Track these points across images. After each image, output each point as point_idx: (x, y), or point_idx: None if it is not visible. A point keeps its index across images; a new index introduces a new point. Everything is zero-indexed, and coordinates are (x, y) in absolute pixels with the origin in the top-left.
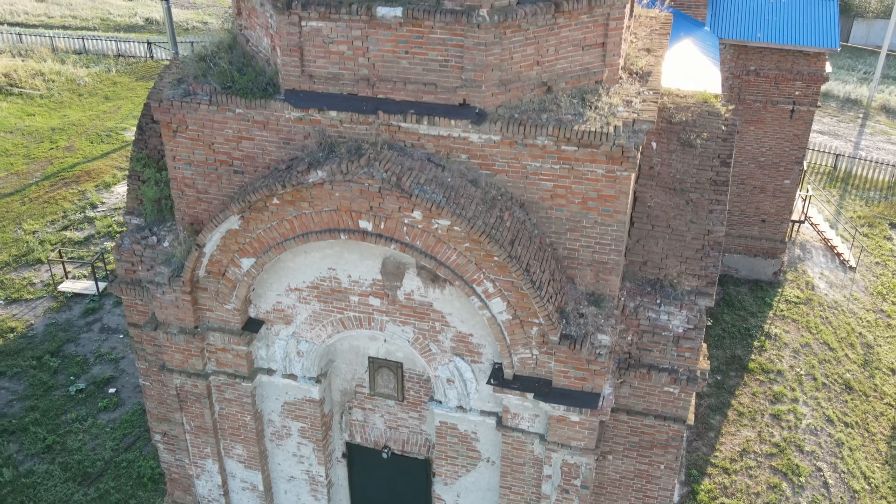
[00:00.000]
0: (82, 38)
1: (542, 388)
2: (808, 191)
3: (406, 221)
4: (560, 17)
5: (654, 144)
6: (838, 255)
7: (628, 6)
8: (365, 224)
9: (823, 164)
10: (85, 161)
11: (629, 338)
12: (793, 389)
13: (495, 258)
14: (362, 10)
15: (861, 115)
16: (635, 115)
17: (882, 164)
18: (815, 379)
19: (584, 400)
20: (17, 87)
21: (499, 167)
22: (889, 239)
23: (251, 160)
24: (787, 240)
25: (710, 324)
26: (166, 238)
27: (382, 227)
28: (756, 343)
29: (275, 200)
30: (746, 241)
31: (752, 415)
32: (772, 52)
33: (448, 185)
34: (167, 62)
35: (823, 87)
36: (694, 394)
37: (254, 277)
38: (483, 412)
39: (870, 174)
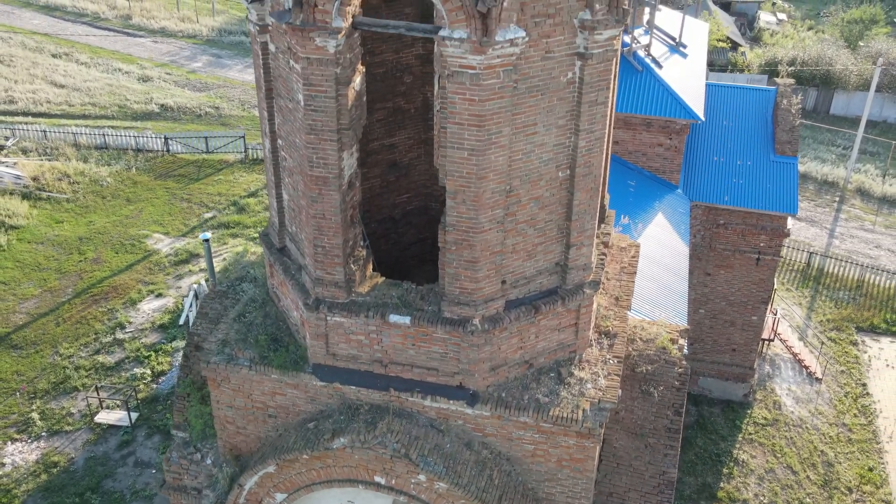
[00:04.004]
0: (103, 134)
1: None
2: (776, 312)
3: (413, 481)
4: (539, 314)
5: (619, 392)
6: (805, 367)
7: (595, 301)
8: (379, 479)
9: (797, 261)
10: (111, 275)
11: None
12: None
13: None
14: (377, 316)
15: (837, 199)
16: (601, 393)
17: (852, 262)
18: None
19: None
20: (46, 192)
21: (489, 432)
22: (854, 344)
23: (283, 409)
24: (756, 361)
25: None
26: (209, 454)
27: (394, 482)
28: (725, 470)
29: (304, 457)
30: (718, 367)
31: None
32: (739, 210)
33: (447, 452)
34: (185, 157)
35: (802, 169)
36: None
37: None
38: None
39: (840, 272)
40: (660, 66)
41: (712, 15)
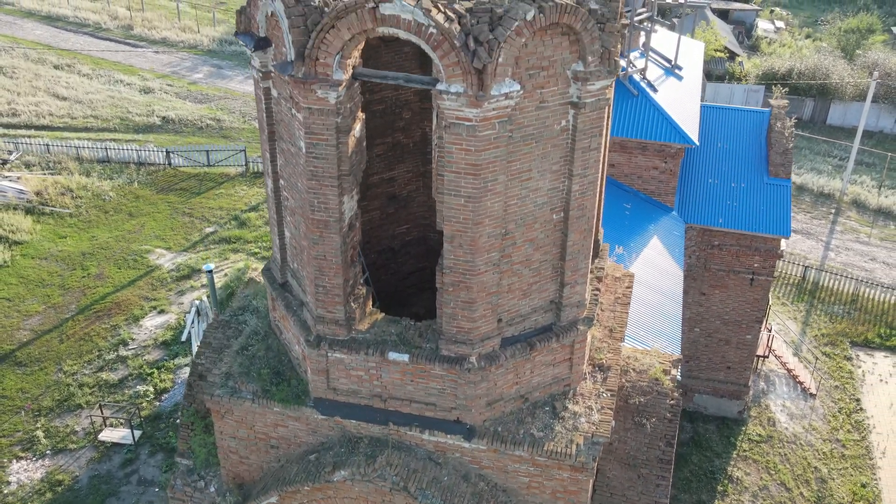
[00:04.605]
0: (105, 148)
1: None
2: (771, 329)
3: None
4: (534, 351)
5: (613, 423)
6: (800, 383)
7: (589, 334)
8: None
9: (793, 274)
10: (114, 290)
11: None
12: None
13: None
14: (377, 353)
15: (833, 211)
16: (594, 427)
17: (847, 276)
18: None
19: None
20: (49, 206)
21: (485, 464)
22: (849, 359)
23: (285, 440)
24: (751, 376)
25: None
26: (213, 482)
27: None
28: (720, 487)
29: (306, 488)
30: (714, 384)
31: None
32: (733, 232)
33: (444, 485)
34: (187, 170)
35: (798, 181)
36: None
37: None
38: None
39: (835, 286)
40: (655, 90)
41: (710, 25)
